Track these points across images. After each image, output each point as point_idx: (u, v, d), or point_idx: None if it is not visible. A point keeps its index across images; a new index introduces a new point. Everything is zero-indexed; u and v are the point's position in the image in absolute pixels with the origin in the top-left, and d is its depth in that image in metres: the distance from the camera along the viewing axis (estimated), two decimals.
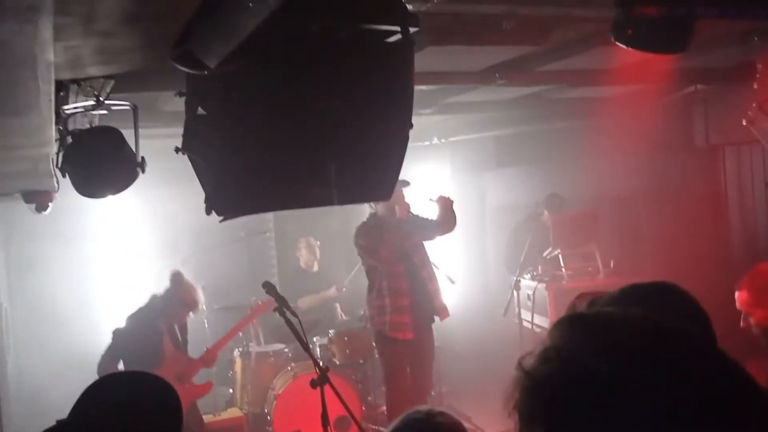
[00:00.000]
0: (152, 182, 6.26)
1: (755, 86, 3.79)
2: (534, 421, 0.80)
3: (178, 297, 5.19)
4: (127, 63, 1.73)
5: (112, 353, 5.01)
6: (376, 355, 6.53)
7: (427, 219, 5.68)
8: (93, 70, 1.79)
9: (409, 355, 5.49)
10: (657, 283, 1.44)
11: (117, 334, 5.06)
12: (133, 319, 5.13)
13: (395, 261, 5.39)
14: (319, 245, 7.38)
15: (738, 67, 4.61)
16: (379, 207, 5.52)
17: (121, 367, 5.05)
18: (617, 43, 2.53)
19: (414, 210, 5.60)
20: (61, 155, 2.79)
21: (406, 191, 5.51)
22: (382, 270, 5.44)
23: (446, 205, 5.56)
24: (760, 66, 3.72)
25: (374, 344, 5.74)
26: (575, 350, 0.80)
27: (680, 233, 5.64)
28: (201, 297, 5.34)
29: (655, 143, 5.95)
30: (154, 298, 5.21)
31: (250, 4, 1.40)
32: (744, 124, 3.88)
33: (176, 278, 5.28)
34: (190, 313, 5.33)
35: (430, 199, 5.64)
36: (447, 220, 5.58)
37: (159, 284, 5.33)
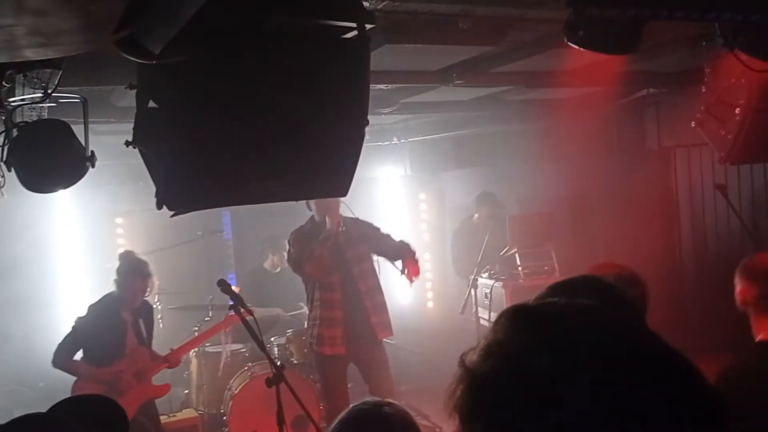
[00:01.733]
0: (106, 180, 6.20)
1: (703, 90, 3.89)
2: (474, 419, 0.79)
3: (129, 268, 5.03)
4: (66, 46, 1.68)
5: (70, 342, 4.86)
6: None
7: (385, 236, 5.42)
8: (30, 53, 1.74)
9: (344, 372, 5.25)
10: (582, 277, 1.48)
11: (78, 323, 4.93)
12: (96, 308, 4.99)
13: (324, 273, 5.11)
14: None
15: (688, 72, 4.73)
16: (315, 214, 5.27)
17: (78, 357, 4.92)
18: (570, 43, 2.57)
19: (362, 218, 5.37)
20: (6, 148, 2.71)
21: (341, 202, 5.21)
22: (315, 280, 5.18)
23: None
24: (708, 70, 3.82)
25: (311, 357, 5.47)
26: (516, 345, 0.79)
27: (633, 232, 5.75)
28: (152, 269, 5.15)
29: (609, 145, 6.08)
30: (114, 288, 5.06)
31: None
32: (693, 126, 3.98)
33: (127, 254, 5.17)
34: (148, 289, 5.15)
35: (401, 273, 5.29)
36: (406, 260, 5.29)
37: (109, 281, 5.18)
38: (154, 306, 6.41)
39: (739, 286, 2.86)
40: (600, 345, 0.77)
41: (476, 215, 7.07)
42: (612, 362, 0.75)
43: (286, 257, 5.33)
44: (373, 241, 5.36)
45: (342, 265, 5.18)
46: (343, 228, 5.21)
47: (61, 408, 1.79)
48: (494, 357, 0.79)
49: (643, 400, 0.72)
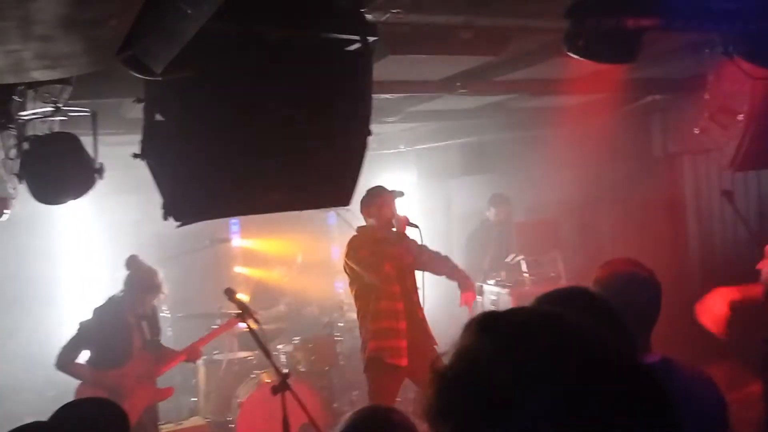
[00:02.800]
0: (116, 190, 6.25)
1: (707, 97, 3.91)
2: (441, 421, 0.83)
3: (138, 280, 5.01)
4: (72, 67, 1.73)
5: (74, 345, 4.84)
6: (341, 362, 6.55)
7: (434, 252, 5.35)
8: (38, 75, 1.79)
9: (400, 384, 5.10)
10: (568, 288, 1.50)
11: (83, 326, 4.90)
12: (101, 311, 4.97)
13: (393, 281, 4.92)
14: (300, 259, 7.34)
15: (693, 78, 4.74)
16: (373, 219, 5.07)
17: (82, 360, 4.92)
18: (569, 53, 2.60)
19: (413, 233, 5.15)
20: (18, 161, 2.76)
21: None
22: (379, 289, 4.92)
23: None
24: (711, 77, 3.83)
25: (365, 370, 5.11)
26: (481, 350, 0.83)
27: (639, 239, 5.75)
28: (162, 279, 5.11)
29: (614, 152, 6.08)
30: (118, 292, 5.04)
31: (188, 11, 1.42)
32: (696, 132, 3.99)
33: (133, 262, 5.08)
34: (156, 298, 5.13)
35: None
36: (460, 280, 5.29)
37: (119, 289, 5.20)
38: (163, 314, 6.46)
39: None
40: (557, 351, 0.81)
41: (492, 210, 7.00)
42: (568, 368, 0.79)
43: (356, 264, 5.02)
44: (425, 257, 5.25)
45: (404, 275, 5.05)
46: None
47: (61, 415, 1.83)
48: (461, 362, 0.84)
49: (597, 407, 0.76)
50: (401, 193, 5.15)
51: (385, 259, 4.90)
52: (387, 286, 4.92)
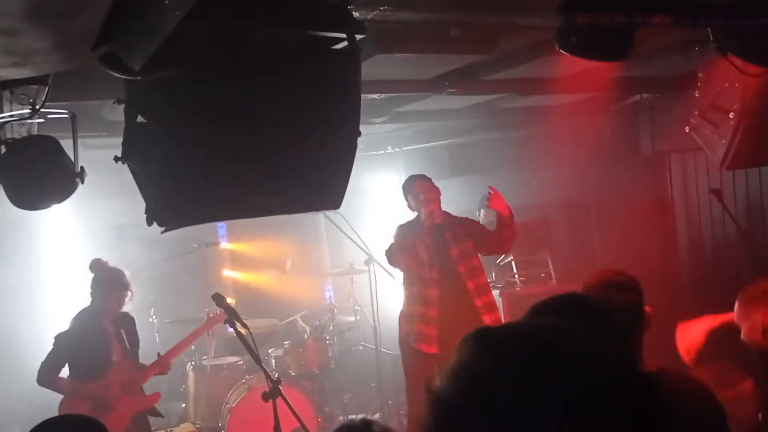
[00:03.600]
0: (100, 194, 6.17)
1: (697, 94, 3.89)
2: None
3: (103, 280, 4.89)
4: (44, 65, 1.66)
5: (53, 359, 4.73)
6: (332, 366, 6.49)
7: (484, 229, 5.30)
8: (6, 73, 1.71)
9: (431, 370, 4.94)
10: (565, 295, 1.46)
11: (59, 339, 4.79)
12: (76, 321, 4.85)
13: (422, 267, 4.94)
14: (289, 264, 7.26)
15: (681, 76, 4.73)
16: (412, 207, 5.16)
17: (64, 374, 4.82)
18: (561, 50, 2.56)
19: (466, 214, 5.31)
20: None
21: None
22: (413, 274, 5.02)
23: (503, 212, 5.10)
24: (701, 75, 3.81)
25: (400, 352, 5.28)
26: (479, 367, 0.79)
27: (629, 238, 5.74)
28: (129, 278, 4.99)
29: (603, 151, 6.06)
30: (91, 300, 4.93)
31: (166, 1, 1.35)
32: (687, 131, 3.97)
33: (96, 264, 4.98)
34: (125, 296, 4.97)
35: (484, 202, 5.29)
36: (502, 233, 5.12)
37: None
38: (150, 320, 6.37)
39: (754, 318, 2.79)
40: (559, 365, 0.77)
41: (482, 215, 6.97)
42: (572, 383, 0.75)
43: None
44: (479, 237, 5.18)
45: (446, 262, 4.99)
46: (445, 224, 5.07)
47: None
48: (458, 380, 0.80)
49: (603, 424, 0.72)
50: (426, 179, 5.17)
51: (411, 250, 4.95)
52: (421, 271, 4.97)
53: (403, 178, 8.70)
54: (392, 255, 5.06)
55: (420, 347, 4.95)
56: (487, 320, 4.95)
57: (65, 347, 4.75)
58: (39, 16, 1.26)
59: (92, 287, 4.93)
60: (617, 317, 2.11)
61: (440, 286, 4.93)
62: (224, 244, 7.98)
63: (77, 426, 1.86)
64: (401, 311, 5.17)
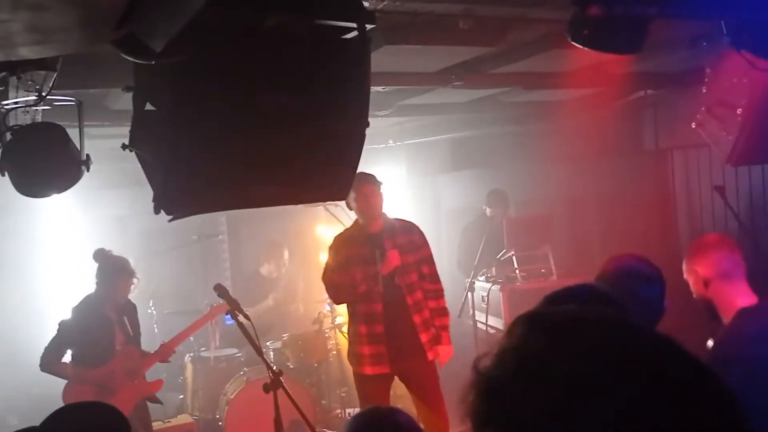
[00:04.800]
0: (102, 184, 6.14)
1: (704, 90, 3.86)
2: (488, 424, 0.77)
3: (108, 269, 4.91)
4: (63, 44, 1.63)
5: (56, 345, 4.76)
6: (330, 359, 6.48)
7: (427, 259, 4.70)
8: (25, 51, 1.68)
9: (387, 390, 4.61)
10: (578, 286, 1.44)
11: (63, 325, 4.82)
12: (79, 309, 4.88)
13: (365, 281, 4.45)
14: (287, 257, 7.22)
15: (687, 72, 4.71)
16: (355, 213, 4.63)
17: (66, 359, 4.83)
18: (573, 42, 2.54)
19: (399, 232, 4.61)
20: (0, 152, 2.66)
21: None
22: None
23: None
24: (709, 70, 3.79)
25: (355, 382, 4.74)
26: (532, 349, 0.77)
27: (631, 234, 5.73)
28: (133, 266, 5.00)
29: (606, 147, 6.05)
30: (94, 288, 4.96)
31: None
32: (693, 127, 3.95)
33: (100, 253, 4.98)
34: (130, 284, 5.00)
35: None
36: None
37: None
38: (149, 311, 6.35)
39: (696, 271, 2.78)
40: (618, 350, 0.75)
41: (488, 210, 6.94)
42: (631, 367, 0.73)
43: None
44: (421, 256, 4.68)
45: (389, 290, 4.49)
46: (387, 231, 4.57)
47: (55, 419, 1.73)
48: (509, 362, 0.78)
49: (662, 405, 0.70)
50: (380, 183, 4.57)
51: (353, 262, 4.46)
52: (363, 290, 4.46)
53: (405, 172, 8.75)
54: (342, 269, 4.48)
55: (361, 370, 4.52)
56: (424, 337, 4.55)
57: (69, 334, 4.78)
58: None
59: (97, 276, 4.95)
60: (641, 311, 2.08)
61: (382, 299, 4.47)
62: (223, 236, 7.96)
63: (97, 413, 1.83)
64: (348, 332, 4.74)
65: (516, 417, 0.74)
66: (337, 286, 4.54)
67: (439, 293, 4.79)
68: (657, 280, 2.38)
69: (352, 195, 4.41)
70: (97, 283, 4.94)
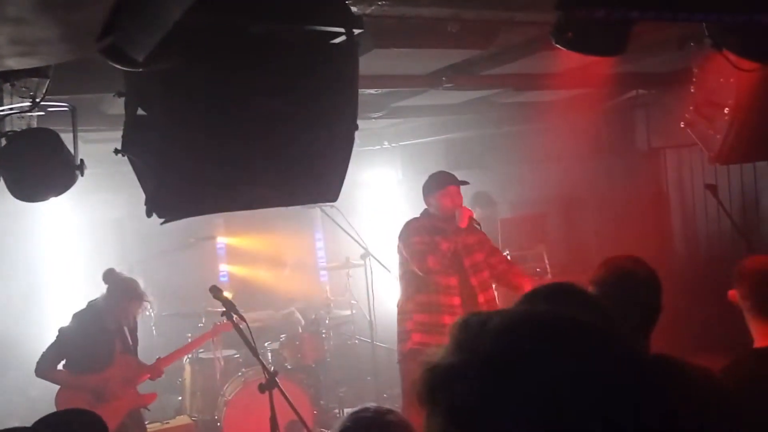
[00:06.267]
0: (98, 188, 6.18)
1: (692, 90, 3.91)
2: (435, 406, 0.82)
3: (120, 293, 4.90)
4: (49, 55, 1.67)
5: (55, 351, 4.75)
6: (328, 359, 6.51)
7: (501, 254, 5.08)
8: (12, 63, 1.72)
9: None
10: (555, 284, 1.48)
11: (63, 332, 4.81)
12: (80, 317, 4.87)
13: (446, 273, 4.65)
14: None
15: (676, 72, 4.76)
16: (433, 208, 4.81)
17: (60, 367, 4.84)
18: (558, 45, 2.58)
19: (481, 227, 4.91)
20: None
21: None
22: (434, 281, 4.66)
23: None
24: (696, 70, 3.83)
25: (401, 362, 4.92)
26: (473, 341, 0.82)
27: (624, 234, 5.77)
28: (143, 288, 5.00)
29: (598, 147, 6.10)
30: (98, 299, 4.95)
31: None
32: (682, 126, 3.99)
33: (110, 275, 4.98)
34: (141, 307, 5.03)
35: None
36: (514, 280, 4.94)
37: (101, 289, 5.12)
38: (147, 313, 6.38)
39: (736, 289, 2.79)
40: (559, 350, 0.79)
41: (477, 212, 7.00)
42: (566, 358, 0.77)
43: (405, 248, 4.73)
44: (488, 251, 4.97)
45: (460, 270, 4.72)
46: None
47: (43, 423, 1.78)
48: (455, 352, 0.83)
49: (592, 400, 0.75)
50: (465, 182, 4.86)
51: (433, 251, 4.61)
52: (441, 279, 4.66)
53: (400, 174, 8.79)
54: (422, 255, 4.65)
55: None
56: None
57: (68, 341, 4.77)
58: (47, 6, 1.27)
59: (107, 296, 4.91)
60: (634, 312, 2.09)
61: (461, 294, 4.70)
62: (221, 239, 7.99)
63: (81, 423, 1.88)
64: (411, 319, 4.78)
65: (458, 398, 0.79)
66: (423, 251, 4.66)
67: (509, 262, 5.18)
68: (653, 281, 2.39)
69: (434, 193, 4.77)
70: (106, 300, 4.90)
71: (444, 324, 4.56)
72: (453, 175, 4.87)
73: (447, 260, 4.62)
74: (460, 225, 4.65)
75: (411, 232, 4.77)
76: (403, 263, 4.83)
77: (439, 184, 4.78)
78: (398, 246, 4.84)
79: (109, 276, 4.98)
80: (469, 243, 4.81)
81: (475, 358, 0.79)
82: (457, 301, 4.65)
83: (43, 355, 4.74)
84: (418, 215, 4.98)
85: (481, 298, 4.73)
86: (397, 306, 4.94)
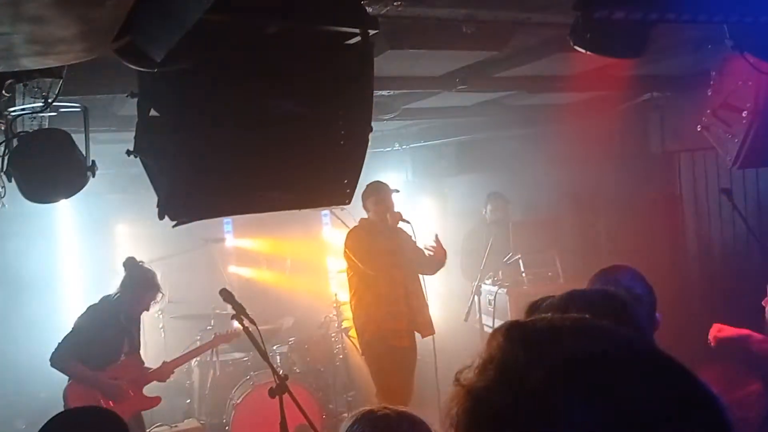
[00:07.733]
0: (108, 189, 6.17)
1: (710, 93, 3.86)
2: None
3: (137, 280, 4.95)
4: (65, 55, 1.64)
5: (71, 342, 4.75)
6: (336, 363, 6.48)
7: (420, 250, 5.64)
8: (28, 62, 1.70)
9: (404, 362, 5.53)
10: (598, 291, 1.44)
11: (78, 323, 4.85)
12: (96, 308, 4.91)
13: (390, 267, 5.37)
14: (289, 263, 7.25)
15: (692, 75, 4.70)
16: (371, 213, 5.51)
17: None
18: (576, 47, 2.54)
19: (408, 230, 5.60)
20: (6, 159, 2.68)
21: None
22: (379, 277, 5.38)
23: (441, 252, 5.62)
24: (714, 73, 3.78)
25: (364, 352, 5.62)
26: (510, 360, 0.78)
27: (638, 238, 5.71)
28: (160, 280, 5.12)
29: (612, 150, 6.04)
30: (114, 293, 4.97)
31: None
32: (699, 129, 3.94)
33: (131, 263, 5.04)
34: (155, 298, 5.08)
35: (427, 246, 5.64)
36: (438, 264, 5.67)
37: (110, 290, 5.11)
38: (156, 316, 6.37)
39: None
40: (593, 356, 0.75)
41: (488, 210, 6.96)
42: (606, 373, 0.73)
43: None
44: (413, 253, 5.59)
45: (398, 262, 5.42)
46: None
47: (56, 423, 1.75)
48: (489, 373, 0.78)
49: (640, 410, 0.71)
50: (397, 191, 5.66)
51: (381, 253, 5.32)
52: (386, 274, 5.35)
53: (410, 176, 8.75)
54: (372, 258, 5.34)
55: (395, 343, 5.40)
56: (419, 319, 5.52)
57: (84, 334, 4.77)
58: (69, 4, 1.25)
59: (123, 284, 4.98)
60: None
61: (403, 285, 5.45)
62: (230, 241, 7.97)
63: (101, 420, 1.85)
64: (366, 314, 5.45)
65: (498, 426, 0.74)
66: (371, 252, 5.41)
67: None
68: (648, 298, 2.33)
69: (372, 199, 5.48)
70: (120, 290, 4.96)
71: (392, 312, 5.36)
72: (384, 184, 5.65)
73: (385, 256, 5.34)
74: (392, 225, 5.42)
75: (355, 239, 5.49)
76: (353, 266, 5.49)
77: (374, 191, 5.51)
78: (344, 253, 5.52)
79: (129, 263, 5.03)
80: (401, 241, 5.53)
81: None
82: (401, 291, 5.42)
83: (59, 345, 4.76)
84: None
85: (410, 287, 5.49)
86: (350, 305, 5.66)
